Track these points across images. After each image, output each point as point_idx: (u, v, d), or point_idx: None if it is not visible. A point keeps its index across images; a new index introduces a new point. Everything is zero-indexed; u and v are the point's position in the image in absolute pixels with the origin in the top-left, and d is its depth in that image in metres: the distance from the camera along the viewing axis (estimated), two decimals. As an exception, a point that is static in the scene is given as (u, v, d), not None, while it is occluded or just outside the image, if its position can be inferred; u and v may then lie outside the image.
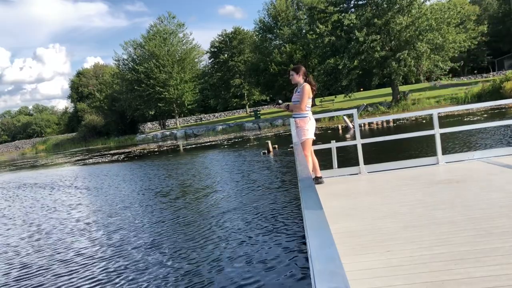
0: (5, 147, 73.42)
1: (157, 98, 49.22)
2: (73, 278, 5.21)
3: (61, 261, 5.95)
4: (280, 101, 5.58)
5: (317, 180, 5.36)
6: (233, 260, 5.02)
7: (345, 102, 37.93)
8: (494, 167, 5.11)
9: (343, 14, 31.25)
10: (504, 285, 2.10)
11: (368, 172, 5.90)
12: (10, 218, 9.96)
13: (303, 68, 5.29)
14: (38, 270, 5.68)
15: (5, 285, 5.30)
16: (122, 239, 6.68)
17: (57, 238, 7.37)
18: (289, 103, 5.43)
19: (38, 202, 11.97)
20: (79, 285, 4.95)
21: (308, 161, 4.88)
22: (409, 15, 29.50)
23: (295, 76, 5.20)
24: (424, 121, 20.44)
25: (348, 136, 18.98)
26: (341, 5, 32.55)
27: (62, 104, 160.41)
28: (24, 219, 9.63)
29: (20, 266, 6.01)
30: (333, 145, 6.17)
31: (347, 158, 10.09)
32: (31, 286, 5.12)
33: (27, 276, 5.52)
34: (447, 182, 4.64)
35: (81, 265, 5.67)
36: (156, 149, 29.93)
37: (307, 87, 5.11)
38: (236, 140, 27.18)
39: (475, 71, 57.67)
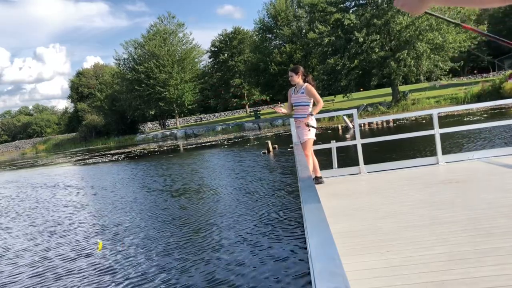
0: (5, 147, 73.38)
1: (157, 98, 49.23)
2: (78, 275, 5.21)
3: (65, 260, 5.95)
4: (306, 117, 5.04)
5: (317, 180, 5.36)
6: (233, 260, 5.01)
7: (345, 102, 37.93)
8: (494, 167, 5.11)
9: (343, 14, 31.24)
10: (504, 285, 2.10)
11: (368, 172, 5.89)
12: (14, 217, 9.96)
13: (301, 68, 5.28)
14: (45, 269, 5.69)
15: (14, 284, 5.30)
16: (120, 238, 6.67)
17: (62, 236, 7.37)
18: (310, 112, 5.13)
19: (41, 202, 11.97)
20: (81, 282, 4.95)
21: (308, 161, 4.87)
22: (409, 15, 29.47)
23: (294, 76, 5.20)
24: (424, 121, 20.43)
25: (348, 136, 18.98)
26: (341, 5, 32.56)
27: (62, 104, 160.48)
28: (28, 218, 9.63)
29: (27, 265, 6.01)
30: (333, 145, 6.17)
31: (347, 158, 10.08)
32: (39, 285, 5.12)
33: (34, 275, 5.52)
34: (447, 182, 4.64)
35: (82, 262, 5.67)
36: (156, 149, 29.94)
37: (310, 86, 5.11)
38: (236, 140, 27.18)
39: (475, 71, 57.64)
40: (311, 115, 5.09)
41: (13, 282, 5.33)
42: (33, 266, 5.86)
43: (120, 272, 5.16)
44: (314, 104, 5.22)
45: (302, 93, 5.15)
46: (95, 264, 5.58)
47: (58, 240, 7.19)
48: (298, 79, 5.20)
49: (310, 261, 2.40)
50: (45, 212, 10.11)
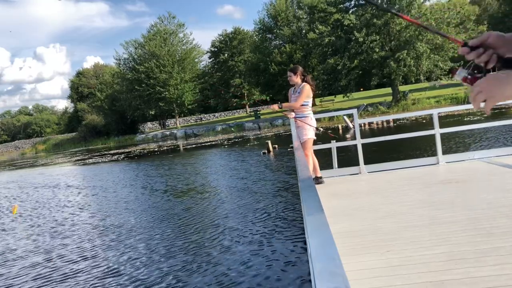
0: (5, 147, 73.31)
1: (157, 98, 49.21)
2: (79, 274, 5.21)
3: (69, 262, 5.95)
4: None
5: (317, 180, 5.36)
6: (233, 260, 5.01)
7: (345, 102, 37.93)
8: (494, 167, 5.11)
9: (343, 14, 31.25)
10: (504, 285, 2.10)
11: (368, 172, 5.89)
12: (16, 218, 9.95)
13: (300, 68, 5.29)
14: (50, 270, 5.68)
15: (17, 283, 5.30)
16: (122, 239, 6.67)
17: (65, 237, 7.37)
18: (283, 103, 5.32)
19: (42, 202, 11.97)
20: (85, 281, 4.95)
21: (308, 161, 4.87)
22: (409, 15, 29.49)
23: (293, 77, 5.20)
24: (424, 121, 20.43)
25: (348, 136, 18.99)
26: (341, 5, 32.58)
27: (62, 104, 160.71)
28: (30, 218, 9.63)
29: (31, 266, 6.01)
30: (333, 145, 6.16)
31: (347, 158, 10.08)
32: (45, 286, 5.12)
33: (38, 277, 5.52)
34: (448, 182, 4.64)
35: (81, 261, 5.67)
36: (156, 149, 29.94)
37: (307, 87, 5.11)
38: (236, 140, 27.18)
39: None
40: (280, 107, 5.16)
41: (17, 284, 5.32)
42: (37, 267, 5.86)
43: (124, 273, 5.16)
44: (312, 105, 5.23)
45: (299, 92, 5.15)
46: (99, 266, 5.58)
47: (61, 241, 7.18)
48: (296, 79, 5.21)
49: (310, 261, 2.40)
50: (47, 212, 10.11)
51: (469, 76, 1.17)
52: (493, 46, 1.13)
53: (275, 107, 5.17)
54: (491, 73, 1.08)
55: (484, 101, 1.03)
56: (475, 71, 1.17)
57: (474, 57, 1.15)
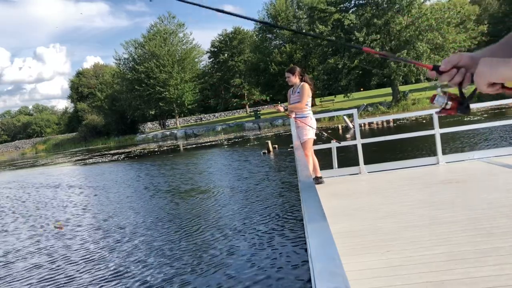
0: (5, 147, 73.29)
1: (157, 98, 49.22)
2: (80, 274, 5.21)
3: (73, 263, 5.95)
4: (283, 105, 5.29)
5: (317, 180, 5.36)
6: (233, 260, 5.01)
7: (345, 102, 37.93)
8: (494, 167, 5.11)
9: (343, 14, 31.27)
10: (504, 285, 2.10)
11: (368, 172, 5.89)
12: (18, 218, 9.96)
13: (298, 69, 5.29)
14: (54, 271, 5.69)
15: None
16: (125, 241, 6.67)
17: (69, 238, 7.37)
18: (286, 104, 5.36)
19: (44, 203, 11.97)
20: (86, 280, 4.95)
21: (308, 161, 4.87)
22: (409, 15, 29.51)
23: (291, 77, 5.20)
24: (424, 121, 20.42)
25: (348, 136, 18.98)
26: (341, 5, 32.61)
27: (62, 104, 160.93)
28: (32, 219, 9.64)
29: (34, 267, 6.02)
30: (333, 145, 6.17)
31: (347, 158, 10.08)
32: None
33: (42, 279, 5.52)
34: (448, 182, 4.64)
35: (84, 260, 5.67)
36: (157, 149, 29.94)
37: (307, 86, 5.11)
38: (236, 140, 27.18)
39: (475, 71, 57.41)
40: (286, 109, 5.13)
41: (21, 285, 5.32)
42: (40, 269, 5.85)
43: (128, 274, 5.16)
44: (312, 105, 5.23)
45: (298, 92, 5.15)
46: (102, 268, 5.58)
47: (65, 242, 7.17)
48: (295, 79, 5.21)
49: (310, 261, 2.40)
50: (49, 213, 10.11)
51: (450, 102, 1.16)
52: (466, 66, 1.12)
53: (281, 108, 5.11)
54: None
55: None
56: (453, 97, 1.17)
57: (447, 79, 1.14)
